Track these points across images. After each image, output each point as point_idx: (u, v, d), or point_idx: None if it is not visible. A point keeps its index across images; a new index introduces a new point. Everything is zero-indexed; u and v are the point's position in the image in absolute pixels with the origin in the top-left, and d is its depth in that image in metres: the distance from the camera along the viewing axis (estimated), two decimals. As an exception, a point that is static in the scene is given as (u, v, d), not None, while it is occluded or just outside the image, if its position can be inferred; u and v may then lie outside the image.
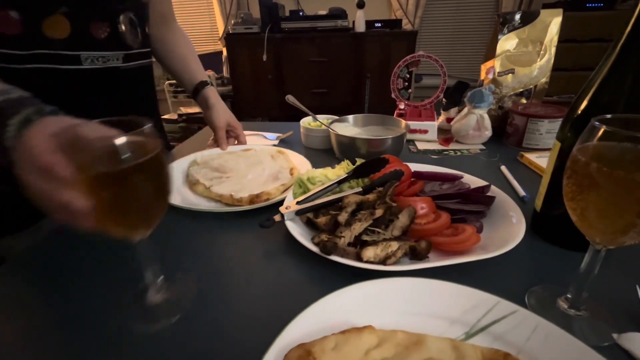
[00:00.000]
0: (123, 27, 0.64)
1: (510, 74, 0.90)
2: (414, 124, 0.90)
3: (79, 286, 0.44)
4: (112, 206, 0.32)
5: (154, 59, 0.80)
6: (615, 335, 0.34)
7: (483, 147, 0.87)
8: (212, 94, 0.87)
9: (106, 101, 0.64)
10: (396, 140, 0.75)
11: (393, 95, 0.93)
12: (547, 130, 0.80)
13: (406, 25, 3.07)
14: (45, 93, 0.43)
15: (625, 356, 0.33)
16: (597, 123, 0.29)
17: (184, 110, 2.95)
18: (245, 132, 0.98)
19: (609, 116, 0.31)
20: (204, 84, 0.87)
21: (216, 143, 0.84)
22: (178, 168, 0.73)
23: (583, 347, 0.29)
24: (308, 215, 0.52)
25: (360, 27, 2.72)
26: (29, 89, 0.42)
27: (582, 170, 0.30)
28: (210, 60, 3.41)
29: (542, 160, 0.73)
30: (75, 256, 0.50)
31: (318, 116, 0.90)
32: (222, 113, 0.85)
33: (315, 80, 2.89)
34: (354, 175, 0.58)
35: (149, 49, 0.73)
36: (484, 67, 0.96)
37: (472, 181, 0.60)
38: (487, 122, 0.86)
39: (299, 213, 0.52)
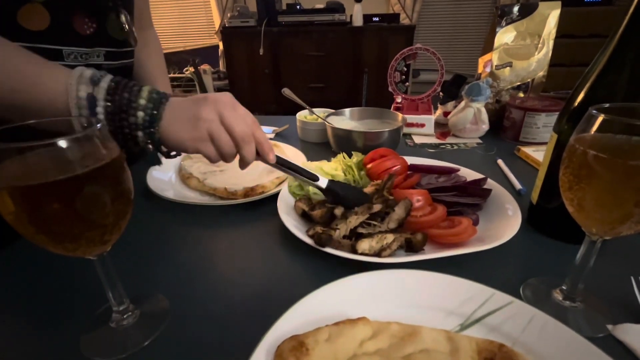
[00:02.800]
0: (127, 27, 0.63)
1: (507, 68, 0.90)
2: (411, 118, 0.90)
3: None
4: (57, 223, 0.26)
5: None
6: (610, 327, 0.34)
7: (480, 141, 0.87)
8: None
9: None
10: (393, 133, 0.74)
11: (390, 89, 0.92)
12: (544, 124, 0.80)
13: (404, 20, 3.05)
14: None
15: (620, 347, 0.32)
16: (594, 111, 0.29)
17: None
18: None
19: (606, 105, 0.30)
20: None
21: None
22: (170, 162, 0.72)
23: (578, 339, 0.29)
24: (303, 208, 0.52)
25: (358, 21, 2.70)
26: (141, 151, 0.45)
27: (580, 160, 0.29)
28: (206, 54, 3.37)
29: (539, 154, 0.73)
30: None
31: (314, 109, 0.89)
32: None
33: (313, 75, 2.87)
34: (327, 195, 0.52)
35: (133, 48, 0.71)
36: (481, 61, 0.95)
37: (469, 174, 0.60)
38: (485, 116, 0.85)
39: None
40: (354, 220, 0.46)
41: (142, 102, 0.42)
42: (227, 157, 0.46)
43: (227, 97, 0.45)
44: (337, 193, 0.51)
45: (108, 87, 0.41)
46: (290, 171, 0.50)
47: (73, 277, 0.43)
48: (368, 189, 0.54)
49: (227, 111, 0.44)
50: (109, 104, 0.41)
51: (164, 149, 0.46)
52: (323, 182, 0.51)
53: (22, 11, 0.49)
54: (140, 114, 0.42)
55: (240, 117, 0.44)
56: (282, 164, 0.49)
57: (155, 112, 0.43)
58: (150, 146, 0.44)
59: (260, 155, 0.47)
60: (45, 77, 0.42)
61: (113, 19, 0.61)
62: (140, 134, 0.43)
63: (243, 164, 0.47)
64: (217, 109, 0.44)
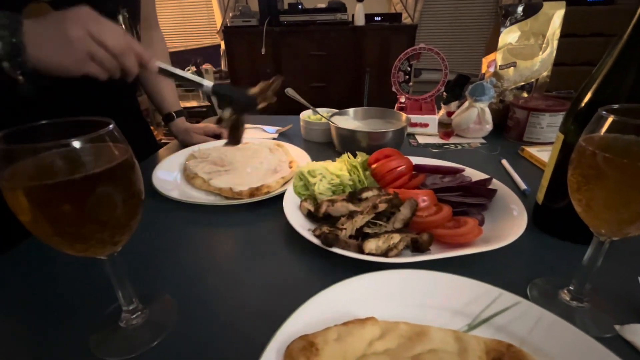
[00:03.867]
0: (123, 27, 0.62)
1: (511, 67, 0.90)
2: (415, 118, 0.90)
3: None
4: (69, 223, 0.27)
5: None
6: (617, 327, 0.34)
7: (484, 141, 0.87)
8: (182, 122, 0.91)
9: (86, 99, 0.63)
10: (397, 133, 0.74)
11: (394, 89, 0.92)
12: (549, 124, 0.80)
13: (406, 19, 3.05)
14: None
15: (627, 347, 0.33)
16: (604, 112, 0.29)
17: (182, 104, 2.93)
18: (245, 126, 0.97)
19: (616, 106, 0.30)
20: (170, 117, 0.90)
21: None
22: (175, 162, 0.73)
23: (586, 339, 0.29)
24: (309, 208, 0.52)
25: (360, 21, 2.69)
26: (12, 83, 0.42)
27: (589, 160, 0.29)
28: (208, 53, 3.38)
29: (543, 154, 0.73)
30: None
31: (318, 109, 0.89)
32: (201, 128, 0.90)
33: (314, 75, 2.86)
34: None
35: None
36: (485, 61, 0.95)
37: (474, 174, 0.60)
38: (488, 116, 0.85)
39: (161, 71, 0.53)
40: (359, 220, 0.46)
41: None
42: (114, 72, 0.47)
43: (86, 12, 0.45)
44: (224, 94, 0.56)
45: None
46: (175, 77, 0.54)
47: (82, 277, 0.43)
48: (253, 89, 0.60)
49: (94, 26, 0.43)
50: None
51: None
52: (208, 85, 0.55)
53: (28, 10, 0.49)
54: None
55: (110, 31, 0.45)
56: (166, 72, 0.52)
57: (14, 39, 0.41)
58: (21, 77, 0.43)
59: (142, 66, 0.49)
60: None
61: (118, 19, 0.61)
62: (5, 64, 0.41)
63: (127, 75, 0.49)
64: (83, 26, 0.43)
